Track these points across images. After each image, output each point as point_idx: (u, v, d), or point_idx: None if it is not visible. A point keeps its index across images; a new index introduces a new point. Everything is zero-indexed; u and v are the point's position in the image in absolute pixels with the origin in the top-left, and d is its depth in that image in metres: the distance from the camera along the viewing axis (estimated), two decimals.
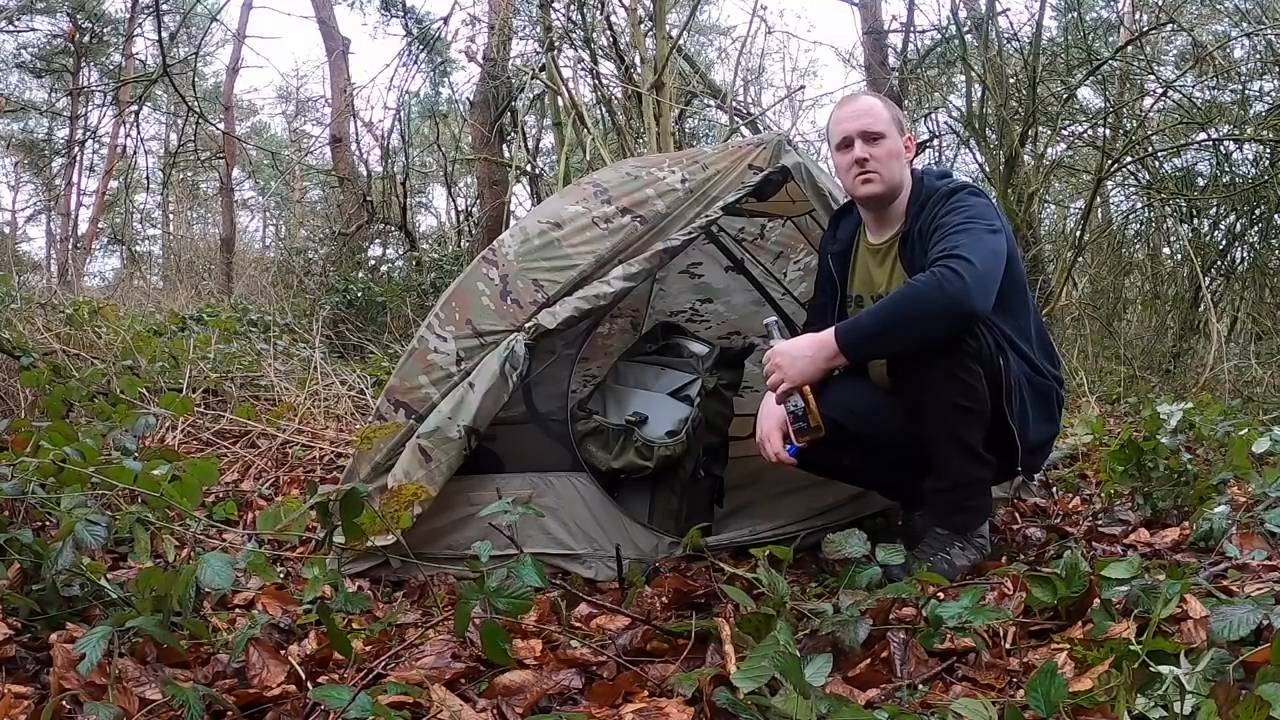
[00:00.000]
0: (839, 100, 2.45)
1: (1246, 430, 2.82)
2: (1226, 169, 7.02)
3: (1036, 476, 2.97)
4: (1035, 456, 2.31)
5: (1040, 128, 7.36)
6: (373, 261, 9.77)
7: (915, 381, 2.13)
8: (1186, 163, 7.57)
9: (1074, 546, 2.26)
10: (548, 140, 10.53)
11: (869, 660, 1.55)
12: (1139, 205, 8.27)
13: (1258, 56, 7.00)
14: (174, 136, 17.08)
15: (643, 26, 7.29)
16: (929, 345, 2.07)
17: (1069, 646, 1.52)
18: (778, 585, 1.69)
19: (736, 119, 8.64)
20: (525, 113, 9.08)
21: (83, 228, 16.59)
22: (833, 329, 2.07)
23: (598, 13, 7.85)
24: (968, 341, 2.06)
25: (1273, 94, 6.92)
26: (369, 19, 32.32)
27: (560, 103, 7.95)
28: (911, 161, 2.34)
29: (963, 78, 8.04)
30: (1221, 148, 6.90)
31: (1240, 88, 6.89)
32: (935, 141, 8.86)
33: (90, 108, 16.16)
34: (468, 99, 9.13)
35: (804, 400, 2.17)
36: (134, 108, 9.65)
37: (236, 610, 1.98)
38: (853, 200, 2.40)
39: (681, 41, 7.99)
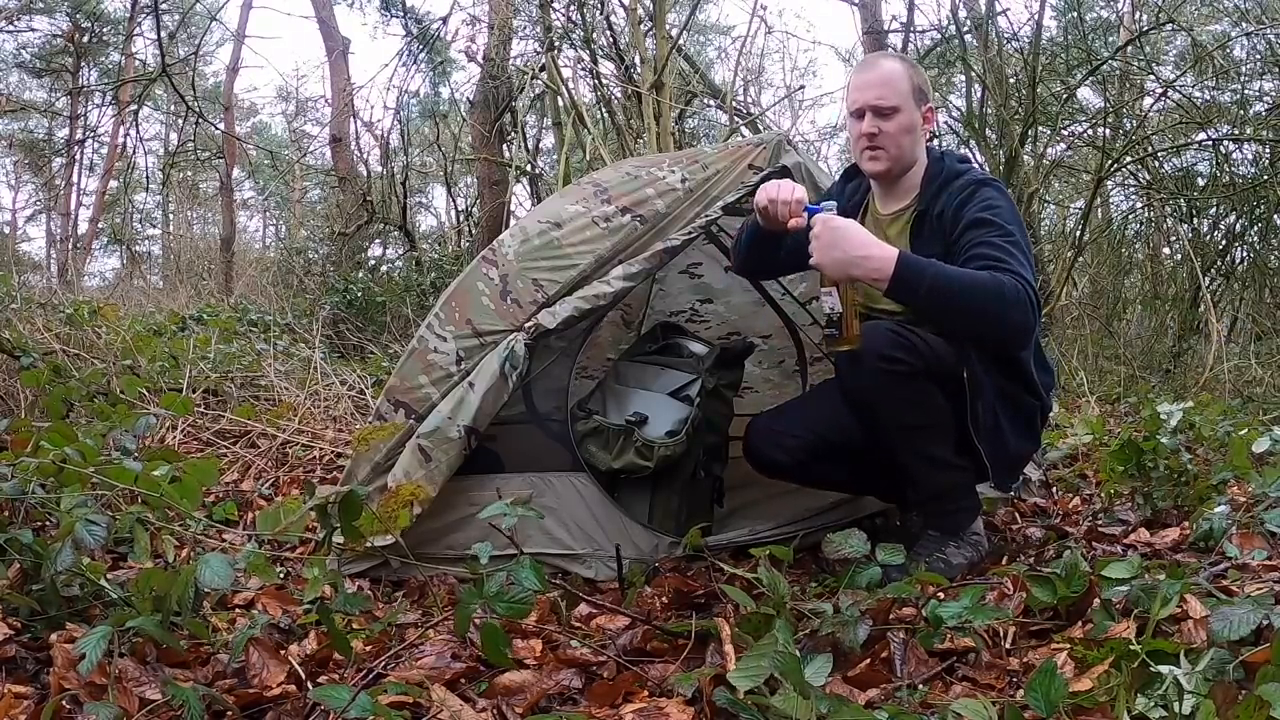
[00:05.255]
0: (861, 61, 2.38)
1: (1246, 430, 2.82)
2: (1226, 169, 7.02)
3: (1036, 476, 2.97)
4: (1011, 472, 2.28)
5: (1040, 128, 7.36)
6: (373, 261, 9.78)
7: (867, 408, 2.13)
8: (1186, 163, 7.57)
9: (1074, 546, 2.26)
10: (548, 140, 10.55)
11: (869, 660, 1.55)
12: (1139, 205, 8.28)
13: (1258, 56, 7.01)
14: (174, 136, 17.11)
15: (643, 26, 7.29)
16: (966, 338, 2.05)
17: (1069, 646, 1.52)
18: (778, 585, 1.69)
19: (736, 119, 8.63)
20: (525, 113, 9.08)
21: (83, 228, 16.60)
22: (899, 251, 1.94)
23: (598, 13, 7.85)
24: (904, 361, 2.02)
25: (1273, 94, 6.92)
26: (369, 19, 32.39)
27: (560, 103, 7.95)
28: (930, 130, 2.28)
29: (963, 78, 8.05)
30: (1221, 148, 6.90)
31: (1240, 88, 6.89)
32: (935, 141, 8.85)
33: (90, 107, 16.16)
34: (468, 99, 9.13)
35: (841, 306, 2.02)
36: (133, 107, 9.66)
37: (236, 610, 1.98)
38: None
39: (681, 41, 7.99)
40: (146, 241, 18.90)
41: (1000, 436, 2.15)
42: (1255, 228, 7.16)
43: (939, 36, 8.45)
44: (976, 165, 2.37)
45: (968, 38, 7.66)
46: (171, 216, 18.64)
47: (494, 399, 2.23)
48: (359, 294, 7.76)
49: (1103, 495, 2.86)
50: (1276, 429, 2.65)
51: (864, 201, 2.37)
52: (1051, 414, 2.54)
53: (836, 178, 2.54)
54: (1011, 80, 7.32)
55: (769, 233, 2.21)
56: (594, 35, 7.97)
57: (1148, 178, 7.76)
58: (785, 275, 2.86)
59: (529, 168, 8.91)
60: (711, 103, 10.08)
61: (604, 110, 8.30)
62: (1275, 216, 6.85)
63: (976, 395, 2.10)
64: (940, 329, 2.09)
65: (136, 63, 13.25)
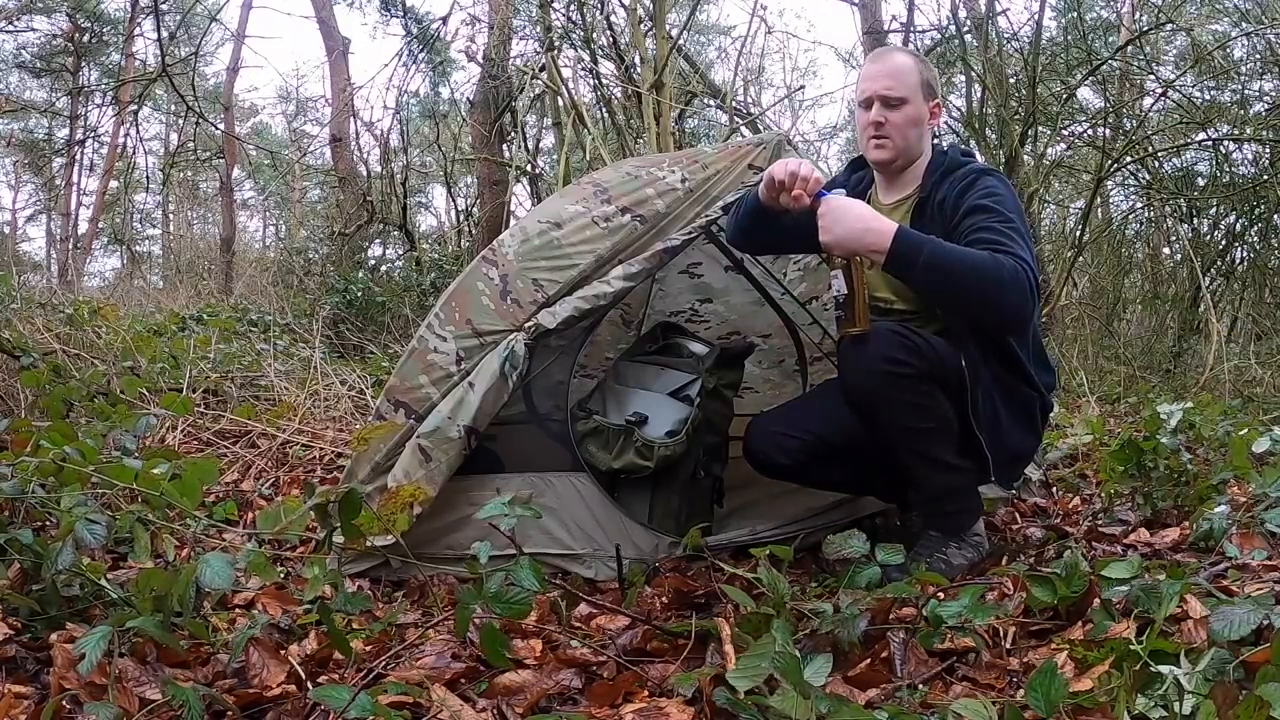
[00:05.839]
0: (873, 53, 2.43)
1: (1246, 430, 2.81)
2: (1226, 169, 7.03)
3: (1036, 476, 2.97)
4: (1012, 468, 2.27)
5: (1040, 128, 7.36)
6: (373, 261, 9.78)
7: (869, 410, 2.12)
8: (1186, 163, 7.58)
9: (1074, 546, 2.26)
10: (548, 140, 10.54)
11: (869, 660, 1.55)
12: (1139, 205, 8.28)
13: (1257, 56, 7.01)
14: (174, 136, 17.13)
15: (643, 26, 7.29)
16: (962, 317, 2.06)
17: (1069, 646, 1.52)
18: (778, 585, 1.69)
19: (736, 119, 8.64)
20: (525, 113, 9.07)
21: (83, 228, 16.60)
22: (898, 225, 1.99)
23: (598, 13, 7.85)
24: (908, 362, 2.03)
25: (1272, 94, 6.93)
26: (369, 19, 32.50)
27: (560, 103, 7.95)
28: (936, 127, 2.31)
29: (963, 78, 8.04)
30: (1221, 148, 6.91)
31: (1240, 88, 6.90)
32: (938, 141, 8.84)
33: (90, 108, 16.15)
34: (468, 99, 9.13)
35: (849, 288, 2.05)
36: (133, 107, 9.66)
37: (236, 610, 1.98)
38: None
39: (681, 41, 8.00)
40: (146, 241, 18.92)
41: (999, 427, 2.15)
42: (1255, 228, 7.17)
43: (939, 36, 8.44)
44: (980, 159, 2.38)
45: (968, 38, 7.66)
46: (171, 216, 18.66)
47: (494, 399, 2.23)
48: (359, 294, 7.76)
49: (1103, 495, 2.86)
50: (1276, 429, 2.65)
51: (867, 192, 2.39)
52: (1052, 414, 2.54)
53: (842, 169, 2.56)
54: (1011, 80, 7.32)
55: (770, 208, 2.21)
56: (594, 35, 7.97)
57: (1148, 178, 7.76)
58: (781, 253, 2.89)
59: (529, 168, 8.91)
60: (711, 103, 10.08)
61: (604, 110, 8.30)
62: (1275, 216, 6.86)
63: (975, 384, 2.10)
64: (936, 307, 2.10)
65: (136, 63, 13.26)
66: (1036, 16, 7.04)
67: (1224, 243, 7.44)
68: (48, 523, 2.10)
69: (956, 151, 2.30)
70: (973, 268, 1.94)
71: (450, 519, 2.30)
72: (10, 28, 13.84)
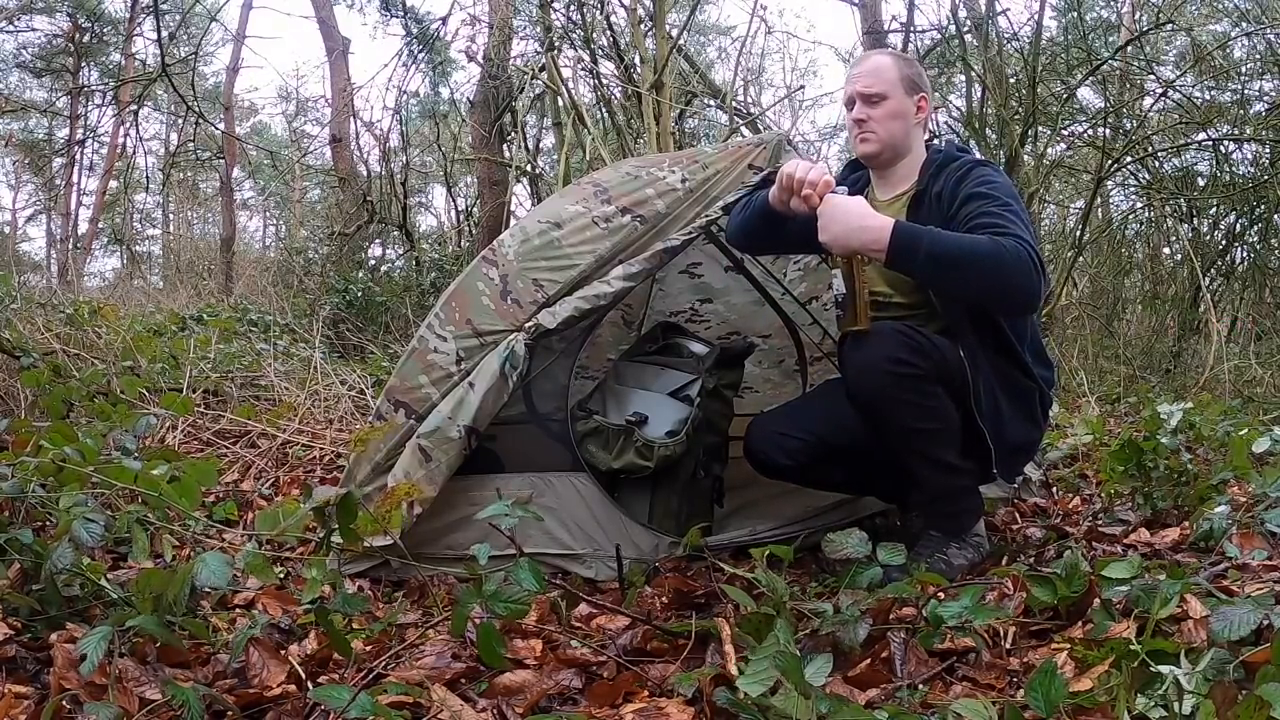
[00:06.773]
0: (855, 58, 2.46)
1: (1246, 430, 2.81)
2: (1226, 169, 7.03)
3: (1036, 476, 2.97)
4: (1013, 461, 2.28)
5: (1040, 128, 7.36)
6: (373, 261, 9.78)
7: (872, 410, 2.12)
8: (1186, 163, 7.58)
9: (1074, 546, 2.26)
10: (548, 140, 10.54)
11: (869, 660, 1.55)
12: (1139, 205, 8.28)
13: (1257, 56, 7.01)
14: (174, 136, 17.13)
15: (643, 26, 7.29)
16: (971, 303, 2.07)
17: (1069, 646, 1.52)
18: (776, 585, 1.69)
19: (736, 119, 8.63)
20: (525, 113, 9.07)
21: (83, 228, 16.60)
22: (895, 220, 2.00)
23: (598, 13, 7.85)
24: (912, 363, 2.03)
25: (1272, 94, 6.93)
26: (369, 19, 32.48)
27: (560, 103, 7.95)
28: (926, 123, 2.33)
29: (963, 78, 8.04)
30: (1221, 148, 6.91)
31: (1240, 88, 6.90)
32: (935, 141, 8.83)
33: (90, 107, 16.17)
34: (468, 99, 9.13)
35: (848, 286, 2.07)
36: (134, 107, 9.67)
37: (236, 610, 1.98)
38: None
39: (681, 41, 7.99)
40: (146, 241, 18.92)
41: (1001, 419, 2.16)
42: (1255, 228, 7.17)
43: (939, 36, 8.44)
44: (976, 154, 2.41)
45: (968, 38, 7.65)
46: (171, 216, 18.68)
47: (494, 399, 2.23)
48: (359, 294, 7.77)
49: (1103, 495, 2.86)
50: (1276, 429, 2.65)
51: (865, 190, 2.40)
52: (1052, 413, 2.54)
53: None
54: (1011, 80, 7.31)
55: (781, 212, 2.22)
56: (594, 35, 7.97)
57: (1148, 178, 7.76)
58: (784, 254, 2.93)
59: (529, 168, 8.91)
60: (711, 103, 10.07)
61: (604, 110, 8.29)
62: (1275, 216, 6.86)
63: (976, 375, 2.11)
64: (943, 296, 2.12)
65: (136, 63, 13.27)
66: (1036, 16, 7.03)
67: (1224, 243, 7.44)
68: (48, 523, 2.09)
69: (952, 148, 2.34)
70: (974, 252, 1.95)
71: (450, 519, 2.30)
72: (10, 28, 13.84)
